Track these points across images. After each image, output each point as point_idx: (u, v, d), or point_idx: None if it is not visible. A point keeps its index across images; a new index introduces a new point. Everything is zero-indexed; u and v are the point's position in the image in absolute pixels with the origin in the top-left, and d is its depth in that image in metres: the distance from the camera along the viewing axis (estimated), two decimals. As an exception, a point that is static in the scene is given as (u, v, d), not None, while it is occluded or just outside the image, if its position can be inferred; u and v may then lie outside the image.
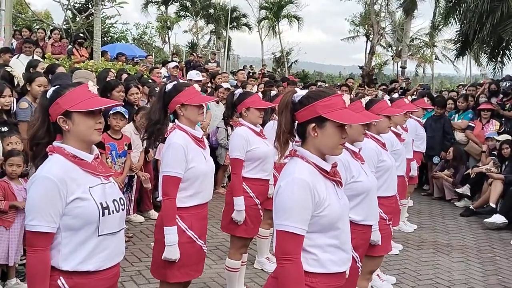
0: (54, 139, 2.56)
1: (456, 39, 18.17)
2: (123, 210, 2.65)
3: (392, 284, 5.66)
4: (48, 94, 2.56)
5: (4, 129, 5.28)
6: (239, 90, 5.02)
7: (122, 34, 29.67)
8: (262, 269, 5.82)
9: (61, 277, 2.46)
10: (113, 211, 2.55)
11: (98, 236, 2.49)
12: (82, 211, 2.45)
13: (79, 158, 2.51)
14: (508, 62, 17.16)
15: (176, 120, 3.76)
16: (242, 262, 4.92)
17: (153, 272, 3.78)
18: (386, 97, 5.44)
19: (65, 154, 2.49)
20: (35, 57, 9.38)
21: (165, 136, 3.72)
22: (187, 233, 3.65)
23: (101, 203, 2.50)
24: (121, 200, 2.65)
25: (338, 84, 15.08)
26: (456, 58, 19.24)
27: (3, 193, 4.80)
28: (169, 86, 3.78)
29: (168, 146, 3.62)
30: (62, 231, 2.45)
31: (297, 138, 2.61)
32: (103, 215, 2.49)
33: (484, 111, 10.14)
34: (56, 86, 2.60)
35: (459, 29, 17.61)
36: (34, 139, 2.57)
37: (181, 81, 6.40)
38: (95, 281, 2.51)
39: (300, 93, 2.55)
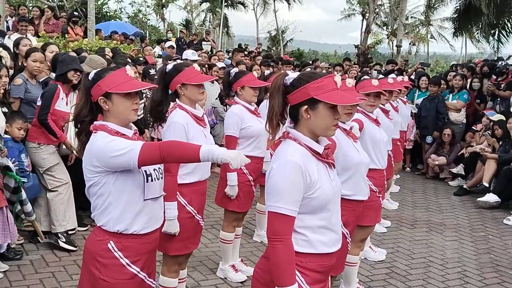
0: (96, 118, 2.81)
1: (453, 17, 18.10)
2: (161, 178, 2.93)
3: (386, 262, 5.76)
4: (90, 77, 2.80)
5: (4, 110, 5.28)
6: (235, 69, 5.09)
7: (117, 12, 29.38)
8: (261, 242, 5.97)
9: (111, 241, 2.73)
10: (154, 179, 2.82)
11: (144, 200, 2.77)
12: (131, 179, 2.72)
13: (121, 133, 2.74)
14: (507, 41, 17.14)
15: (177, 100, 3.86)
16: (236, 235, 5.09)
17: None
18: (375, 75, 5.49)
19: (109, 130, 2.72)
20: (28, 35, 9.30)
21: (166, 115, 3.83)
22: (187, 208, 3.83)
23: (145, 171, 2.77)
24: (160, 169, 2.92)
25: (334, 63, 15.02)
26: (455, 37, 19.18)
27: None
28: (169, 67, 3.90)
29: (169, 125, 3.75)
30: (112, 194, 2.70)
31: (289, 120, 2.63)
32: (147, 181, 2.77)
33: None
34: (98, 70, 2.86)
35: (456, 6, 17.54)
36: (79, 117, 2.83)
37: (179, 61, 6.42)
38: (140, 244, 2.79)
39: (292, 75, 2.56)
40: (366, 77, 4.79)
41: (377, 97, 4.52)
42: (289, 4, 40.55)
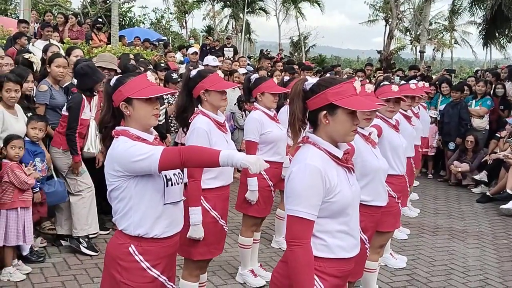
0: (119, 123, 2.85)
1: (482, 27, 17.99)
2: (181, 183, 2.94)
3: (406, 269, 5.72)
4: (112, 83, 2.85)
5: (28, 114, 5.36)
6: (255, 75, 5.12)
7: (140, 19, 29.70)
8: (279, 248, 6.00)
9: (132, 245, 2.76)
10: (174, 183, 2.83)
11: (164, 204, 2.79)
12: (152, 183, 2.74)
13: (142, 138, 2.78)
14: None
15: (199, 105, 3.91)
16: (254, 240, 5.12)
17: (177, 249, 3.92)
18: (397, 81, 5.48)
19: (130, 135, 2.76)
20: (52, 41, 9.43)
21: (189, 121, 3.88)
22: (211, 213, 3.86)
23: (165, 175, 2.79)
24: (180, 174, 2.94)
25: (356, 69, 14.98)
26: (484, 45, 19.04)
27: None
28: (193, 72, 3.94)
29: (192, 131, 3.81)
30: (133, 199, 2.73)
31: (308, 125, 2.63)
32: (167, 186, 2.79)
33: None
34: (119, 76, 2.91)
35: (481, 17, 17.44)
36: (102, 123, 2.89)
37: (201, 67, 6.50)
38: (161, 248, 2.82)
39: (311, 81, 2.57)
40: (385, 82, 4.78)
41: (396, 103, 4.51)
42: (302, 16, 40.41)
